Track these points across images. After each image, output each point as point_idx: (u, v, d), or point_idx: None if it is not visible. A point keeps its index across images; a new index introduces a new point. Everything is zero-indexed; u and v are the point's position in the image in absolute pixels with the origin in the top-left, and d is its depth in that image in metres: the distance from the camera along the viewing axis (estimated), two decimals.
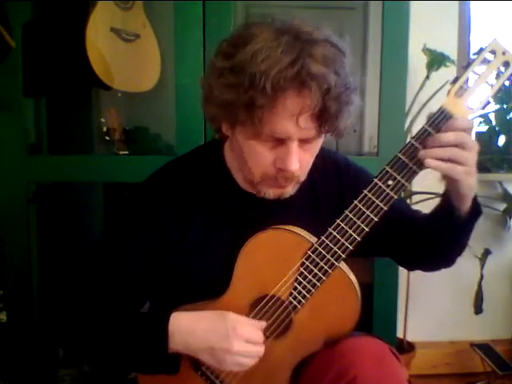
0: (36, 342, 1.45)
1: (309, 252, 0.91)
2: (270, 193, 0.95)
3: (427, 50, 1.92)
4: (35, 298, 1.45)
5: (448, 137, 0.84)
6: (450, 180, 0.88)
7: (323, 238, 0.91)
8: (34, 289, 1.45)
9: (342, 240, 0.90)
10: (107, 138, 1.86)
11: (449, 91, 0.88)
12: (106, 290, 0.95)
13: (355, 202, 0.90)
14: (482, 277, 2.04)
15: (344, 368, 0.87)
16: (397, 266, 1.37)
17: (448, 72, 1.86)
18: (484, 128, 2.25)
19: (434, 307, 2.22)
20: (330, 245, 0.90)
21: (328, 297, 0.93)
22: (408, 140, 0.88)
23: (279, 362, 0.96)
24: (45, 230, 1.64)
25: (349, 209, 0.90)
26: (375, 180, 0.89)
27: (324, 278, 0.91)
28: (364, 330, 0.97)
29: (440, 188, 0.95)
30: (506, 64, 0.87)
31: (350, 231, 0.89)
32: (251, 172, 0.93)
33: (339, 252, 0.90)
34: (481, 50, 0.87)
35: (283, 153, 0.87)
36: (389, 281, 1.46)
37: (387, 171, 0.88)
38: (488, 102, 0.88)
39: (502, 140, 2.27)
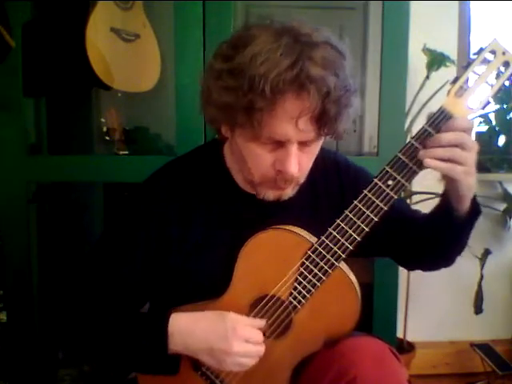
0: (36, 342, 1.45)
1: (309, 252, 0.91)
2: (270, 194, 0.95)
3: (427, 50, 1.93)
4: (35, 298, 1.45)
5: (448, 137, 0.84)
6: (449, 180, 0.88)
7: (323, 238, 0.91)
8: (34, 289, 1.45)
9: (342, 240, 0.90)
10: (107, 138, 1.86)
11: (449, 91, 0.88)
12: (106, 290, 0.95)
13: (355, 202, 0.89)
14: (481, 277, 2.04)
15: (344, 368, 0.87)
16: (397, 266, 1.37)
17: (448, 72, 1.86)
18: (484, 128, 2.25)
19: (434, 307, 2.22)
20: (330, 245, 0.90)
21: (328, 297, 0.93)
22: (408, 140, 0.88)
23: (279, 362, 0.96)
24: (45, 230, 1.64)
25: (349, 209, 0.90)
26: (375, 180, 0.89)
27: (324, 277, 0.91)
28: (364, 330, 0.97)
29: (440, 188, 0.95)
30: (506, 64, 0.87)
31: (350, 231, 0.89)
32: (251, 174, 0.93)
33: (339, 252, 0.90)
34: (481, 50, 0.87)
35: (282, 155, 0.87)
36: (389, 281, 1.46)
37: (387, 171, 0.88)
38: (488, 102, 0.88)
39: (502, 140, 2.27)
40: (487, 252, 2.04)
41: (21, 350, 1.44)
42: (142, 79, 1.76)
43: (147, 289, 1.00)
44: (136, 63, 1.74)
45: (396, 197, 0.88)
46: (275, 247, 0.94)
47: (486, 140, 2.24)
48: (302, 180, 0.95)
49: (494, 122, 2.24)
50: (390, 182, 0.88)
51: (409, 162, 0.87)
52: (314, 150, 0.92)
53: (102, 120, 1.88)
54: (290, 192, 0.95)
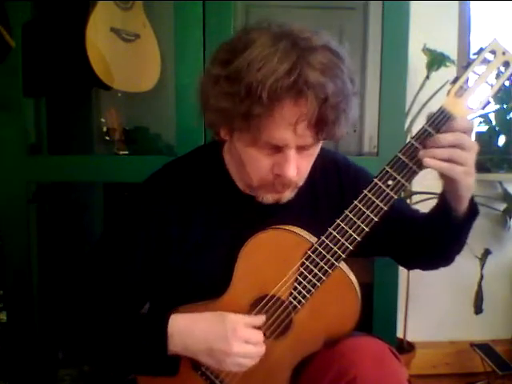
0: (36, 342, 1.45)
1: (309, 252, 0.91)
2: (269, 197, 0.95)
3: (427, 50, 1.92)
4: (35, 298, 1.45)
5: (448, 137, 0.84)
6: (448, 180, 0.88)
7: (323, 238, 0.91)
8: (34, 289, 1.45)
9: (342, 240, 0.90)
10: (107, 138, 1.86)
11: (449, 91, 0.88)
12: (106, 290, 0.95)
13: (355, 202, 0.89)
14: (481, 277, 2.04)
15: (344, 368, 0.87)
16: (397, 266, 1.37)
17: (448, 72, 1.86)
18: (484, 128, 2.24)
19: (434, 307, 2.22)
20: (330, 245, 0.90)
21: (328, 297, 0.93)
22: (408, 140, 0.88)
23: (279, 362, 0.96)
24: (45, 230, 1.64)
25: (349, 209, 0.90)
26: (375, 180, 0.89)
27: (324, 277, 0.91)
28: (364, 330, 0.97)
29: (440, 188, 0.95)
30: (506, 64, 0.87)
31: (350, 231, 0.89)
32: (249, 177, 0.93)
33: (339, 252, 0.90)
34: (481, 50, 0.87)
35: (281, 160, 0.87)
36: (389, 281, 1.46)
37: (387, 171, 0.88)
38: (488, 102, 0.88)
39: (502, 140, 2.27)
40: (487, 252, 2.03)
41: (21, 349, 1.44)
42: (141, 79, 1.76)
43: (147, 289, 1.00)
44: (136, 63, 1.74)
45: (396, 197, 0.88)
46: (275, 247, 0.94)
47: (486, 140, 2.23)
48: (300, 183, 0.95)
49: (494, 122, 2.23)
50: (390, 182, 0.88)
51: (409, 162, 0.87)
52: (313, 153, 0.92)
53: (102, 120, 1.88)
54: (288, 195, 0.95)
